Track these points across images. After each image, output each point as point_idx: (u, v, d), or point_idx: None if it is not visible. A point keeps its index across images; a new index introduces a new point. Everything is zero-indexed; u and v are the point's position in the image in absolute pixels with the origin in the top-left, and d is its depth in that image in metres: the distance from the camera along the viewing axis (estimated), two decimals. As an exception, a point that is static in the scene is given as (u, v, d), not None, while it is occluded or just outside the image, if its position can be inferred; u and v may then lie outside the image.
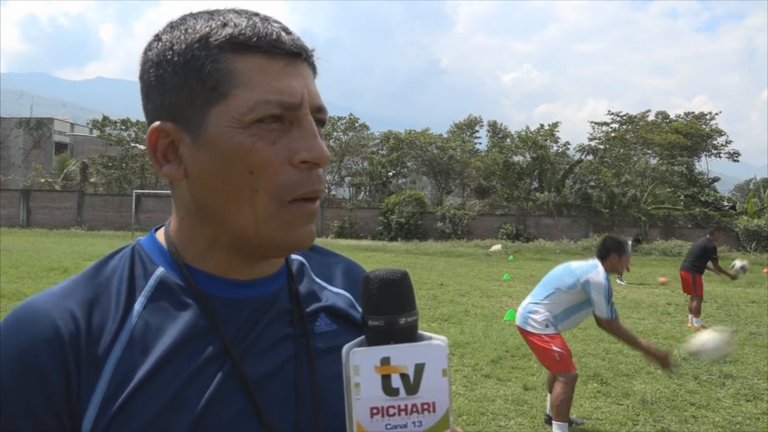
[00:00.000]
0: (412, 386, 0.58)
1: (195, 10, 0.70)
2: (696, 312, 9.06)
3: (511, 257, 21.45)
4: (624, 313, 9.85)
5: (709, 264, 9.56)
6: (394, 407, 0.57)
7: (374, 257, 19.81)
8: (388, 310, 0.60)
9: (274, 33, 0.65)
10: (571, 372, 4.26)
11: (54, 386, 0.61)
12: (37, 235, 26.01)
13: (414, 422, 0.58)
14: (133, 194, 29.06)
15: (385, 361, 0.58)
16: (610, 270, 4.40)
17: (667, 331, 8.49)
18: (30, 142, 44.59)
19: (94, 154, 37.16)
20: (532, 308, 4.42)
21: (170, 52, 0.65)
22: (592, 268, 4.31)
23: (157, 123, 0.67)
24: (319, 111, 0.68)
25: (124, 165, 33.41)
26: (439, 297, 10.89)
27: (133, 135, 34.56)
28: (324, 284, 0.81)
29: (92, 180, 35.08)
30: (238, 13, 0.67)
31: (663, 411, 5.03)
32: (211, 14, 0.67)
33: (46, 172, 37.39)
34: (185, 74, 0.65)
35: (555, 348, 4.25)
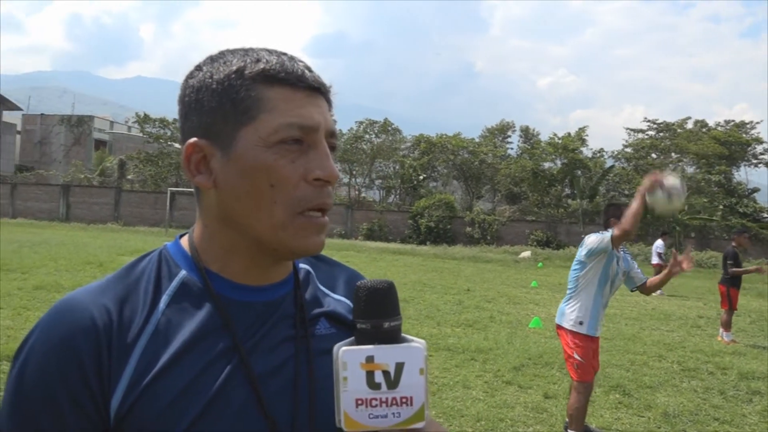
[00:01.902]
0: (392, 382, 0.66)
1: (231, 47, 0.81)
2: (726, 326, 8.88)
3: (540, 264, 21.27)
4: (653, 325, 9.73)
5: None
6: (376, 399, 0.66)
7: (401, 260, 19.87)
8: (374, 315, 0.69)
9: (299, 70, 0.77)
10: (587, 381, 4.29)
11: (89, 369, 0.71)
12: (76, 229, 26.78)
13: (393, 413, 0.67)
14: (168, 191, 29.64)
15: (370, 359, 0.66)
16: None
17: (696, 344, 8.35)
18: (71, 138, 45.95)
19: (132, 151, 38.05)
20: (564, 306, 4.48)
21: (210, 80, 0.77)
22: (596, 234, 4.35)
23: (193, 139, 0.78)
24: (332, 136, 0.80)
25: (160, 162, 34.14)
26: (464, 302, 10.90)
27: (169, 133, 35.28)
28: (327, 291, 0.91)
29: (129, 177, 35.95)
30: (269, 51, 0.79)
31: (685, 425, 4.99)
32: (246, 51, 0.79)
33: (86, 168, 38.47)
34: (221, 99, 0.76)
35: (576, 356, 4.28)
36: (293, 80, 0.76)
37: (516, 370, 6.25)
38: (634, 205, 3.92)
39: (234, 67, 0.76)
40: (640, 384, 6.07)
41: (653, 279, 4.49)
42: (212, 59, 0.79)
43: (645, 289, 4.48)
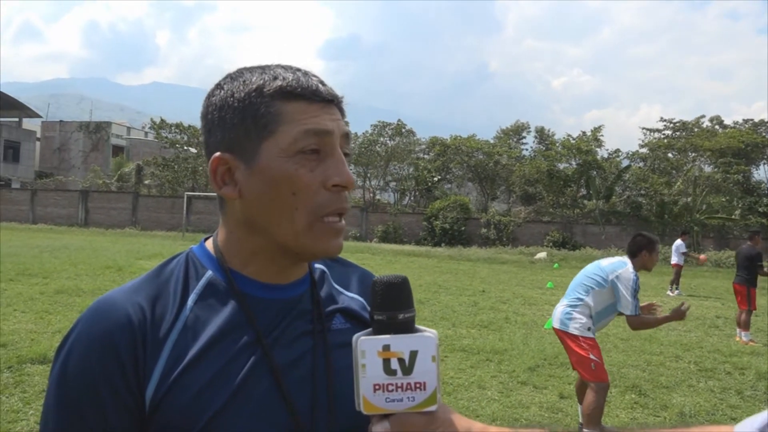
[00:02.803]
0: (407, 368, 0.72)
1: (248, 65, 0.88)
2: (745, 326, 8.81)
3: (556, 265, 21.18)
4: (670, 325, 9.64)
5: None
6: (392, 385, 0.72)
7: (416, 262, 19.90)
8: (390, 307, 0.75)
9: (314, 85, 0.83)
10: (604, 381, 4.30)
11: (127, 362, 0.78)
12: (95, 234, 27.17)
13: (408, 397, 0.73)
14: (185, 196, 29.92)
15: (386, 347, 0.73)
16: (640, 267, 4.46)
17: (713, 344, 8.30)
18: (89, 144, 46.61)
19: (148, 156, 38.48)
20: (569, 311, 4.46)
21: (231, 99, 0.83)
22: (622, 265, 4.38)
23: (218, 153, 0.84)
24: (346, 143, 0.86)
25: (176, 167, 34.48)
26: (479, 303, 10.92)
27: (185, 138, 35.63)
28: (341, 290, 0.98)
29: (146, 182, 36.35)
30: (285, 68, 0.85)
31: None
32: (263, 69, 0.85)
33: (104, 174, 38.97)
34: (243, 116, 0.82)
35: (593, 357, 4.29)
36: (309, 95, 0.82)
37: (531, 371, 6.27)
38: (663, 322, 4.47)
39: (254, 86, 0.82)
40: (656, 384, 6.06)
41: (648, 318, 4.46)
42: (232, 78, 0.85)
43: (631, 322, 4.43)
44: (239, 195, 0.83)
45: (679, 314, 4.28)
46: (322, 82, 0.85)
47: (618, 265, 4.39)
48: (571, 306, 4.47)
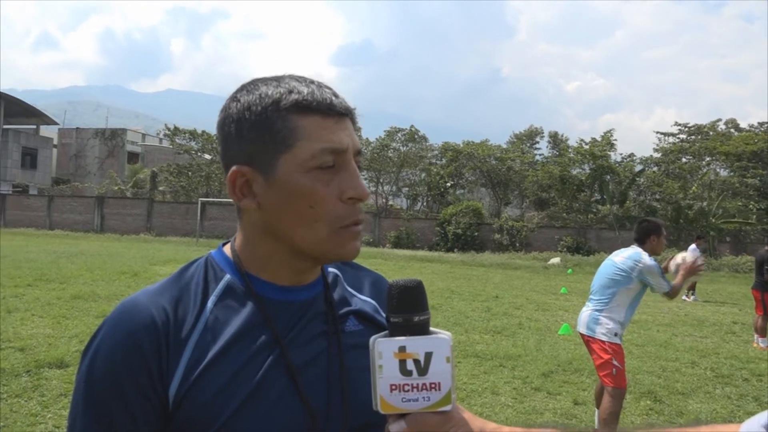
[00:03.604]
0: (422, 369, 0.74)
1: (261, 76, 0.90)
2: (762, 332, 8.71)
3: (570, 271, 21.05)
4: (686, 331, 9.59)
5: None
6: (408, 385, 0.74)
7: (429, 268, 19.88)
8: (406, 310, 0.77)
9: (328, 98, 0.85)
10: (623, 388, 4.30)
11: (151, 361, 0.81)
12: (110, 240, 27.42)
13: (424, 397, 0.74)
14: (199, 202, 30.12)
15: (402, 348, 0.75)
16: (650, 252, 4.47)
17: (730, 350, 8.21)
18: (105, 151, 47.16)
19: (163, 162, 38.83)
20: (596, 316, 4.45)
21: (248, 112, 0.84)
22: (638, 256, 4.39)
23: (236, 166, 0.86)
24: (358, 155, 0.88)
25: (190, 174, 34.76)
26: (493, 309, 10.89)
27: (200, 145, 35.93)
28: (354, 293, 1.00)
29: (161, 188, 36.68)
30: (299, 80, 0.86)
31: None
32: (278, 82, 0.86)
33: (119, 180, 39.37)
34: (260, 130, 0.84)
35: (615, 363, 4.29)
36: (324, 109, 0.84)
37: (545, 377, 6.23)
38: (681, 281, 4.48)
39: (270, 100, 0.83)
40: (672, 390, 6.01)
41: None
42: (247, 90, 0.86)
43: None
44: (258, 206, 0.86)
45: (692, 270, 4.49)
46: (335, 95, 0.86)
47: (634, 257, 4.40)
48: (597, 310, 4.46)
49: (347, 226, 0.85)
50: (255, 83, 0.88)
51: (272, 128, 0.83)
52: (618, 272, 4.41)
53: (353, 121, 0.90)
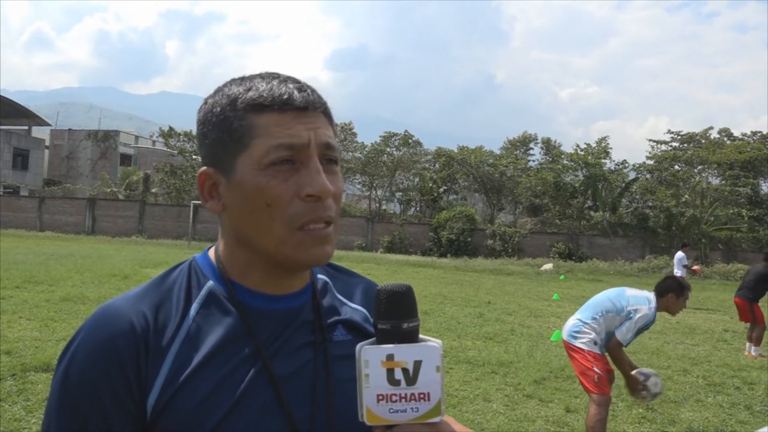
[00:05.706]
0: (411, 379, 0.71)
1: (236, 76, 0.86)
2: (757, 341, 8.70)
3: (562, 277, 21.06)
4: (677, 339, 9.59)
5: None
6: (396, 395, 0.70)
7: (422, 273, 19.84)
8: (394, 316, 0.73)
9: (286, 94, 0.80)
10: (606, 394, 4.28)
11: (129, 368, 0.77)
12: (101, 242, 27.25)
13: (412, 408, 0.71)
14: (191, 205, 30.01)
15: (390, 357, 0.71)
16: (663, 308, 4.46)
17: (722, 358, 8.21)
18: (97, 153, 46.90)
19: (156, 165, 38.67)
20: (580, 327, 4.45)
21: (211, 114, 0.83)
22: (646, 302, 4.35)
23: (204, 168, 0.85)
24: (327, 148, 0.82)
25: (184, 176, 34.63)
26: (485, 315, 10.86)
27: (194, 147, 35.81)
28: (344, 300, 0.96)
29: (153, 190, 36.50)
30: (263, 77, 0.83)
31: (710, 440, 4.91)
32: (242, 80, 0.84)
33: (112, 182, 39.18)
34: (220, 130, 0.82)
35: (596, 369, 4.30)
36: (280, 105, 0.80)
37: (537, 384, 6.21)
38: (627, 374, 4.33)
39: (229, 99, 0.82)
40: (664, 399, 5.98)
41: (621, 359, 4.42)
42: (217, 90, 0.85)
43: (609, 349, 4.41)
44: (223, 208, 0.84)
45: (634, 383, 4.29)
46: (301, 89, 0.82)
47: (642, 300, 4.36)
48: (582, 322, 4.46)
49: (306, 224, 0.79)
50: (226, 84, 0.86)
51: (230, 128, 0.81)
52: (620, 301, 4.40)
53: (326, 115, 0.85)
